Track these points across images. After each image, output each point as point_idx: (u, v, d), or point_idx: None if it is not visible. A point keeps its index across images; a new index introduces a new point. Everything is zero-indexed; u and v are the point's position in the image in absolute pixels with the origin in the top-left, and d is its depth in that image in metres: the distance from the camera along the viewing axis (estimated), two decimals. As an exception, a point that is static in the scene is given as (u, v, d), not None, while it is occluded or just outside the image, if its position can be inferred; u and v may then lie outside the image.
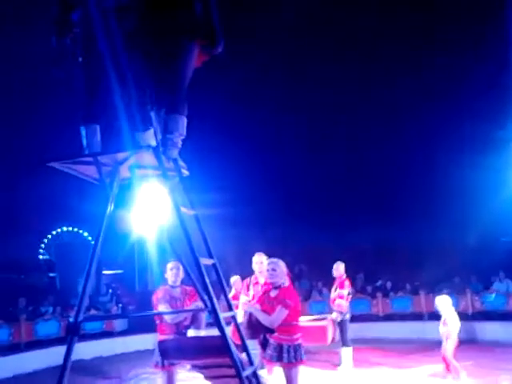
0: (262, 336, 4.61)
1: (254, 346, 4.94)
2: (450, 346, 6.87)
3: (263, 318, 4.51)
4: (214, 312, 3.17)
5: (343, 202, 15.49)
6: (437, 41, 12.66)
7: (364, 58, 13.58)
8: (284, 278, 4.66)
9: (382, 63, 13.42)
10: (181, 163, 3.68)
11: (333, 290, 8.58)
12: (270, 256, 6.34)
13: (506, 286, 12.25)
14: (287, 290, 4.60)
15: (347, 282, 8.37)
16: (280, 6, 12.83)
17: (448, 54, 12.53)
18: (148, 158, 3.50)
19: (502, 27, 10.59)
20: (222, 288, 3.54)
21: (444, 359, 6.96)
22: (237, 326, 3.51)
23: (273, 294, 4.61)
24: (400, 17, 12.51)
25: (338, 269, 8.42)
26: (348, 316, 8.31)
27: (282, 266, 4.68)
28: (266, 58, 13.55)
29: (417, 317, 12.32)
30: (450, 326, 6.90)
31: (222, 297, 3.76)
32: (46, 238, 21.82)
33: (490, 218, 12.03)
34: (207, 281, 3.22)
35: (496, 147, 11.12)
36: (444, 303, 7.15)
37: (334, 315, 8.09)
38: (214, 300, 3.20)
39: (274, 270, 4.62)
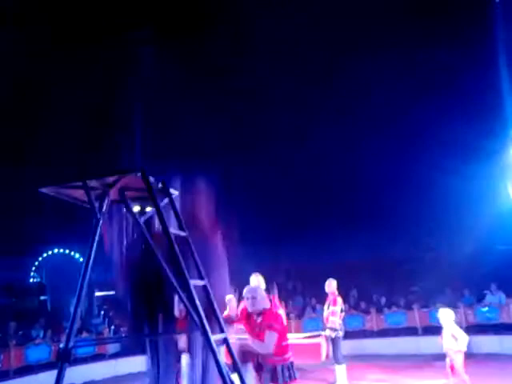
0: (255, 359, 4.59)
1: (249, 368, 4.91)
2: (459, 359, 6.80)
3: (258, 347, 4.48)
4: (204, 334, 3.17)
5: (335, 218, 15.53)
6: (428, 47, 12.79)
7: (349, 65, 13.66)
8: (265, 303, 4.67)
9: (371, 69, 13.46)
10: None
11: (325, 307, 8.55)
12: (264, 274, 6.36)
13: (499, 298, 12.28)
14: (270, 313, 4.60)
15: (339, 299, 8.34)
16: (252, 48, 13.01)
17: (439, 61, 12.68)
18: (137, 181, 3.53)
19: (492, 34, 10.80)
20: (213, 310, 3.54)
21: (453, 374, 6.88)
22: (229, 347, 3.50)
23: (258, 319, 4.60)
24: (382, 25, 12.67)
25: (331, 285, 8.41)
26: (341, 333, 8.27)
27: (260, 292, 4.70)
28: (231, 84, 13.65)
29: (411, 331, 12.29)
30: (459, 339, 6.84)
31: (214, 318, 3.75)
32: (38, 260, 21.61)
33: (485, 226, 12.09)
34: (197, 303, 3.23)
35: (488, 157, 11.25)
36: (447, 317, 7.10)
37: (327, 332, 8.06)
38: (205, 322, 3.21)
39: (253, 297, 4.62)
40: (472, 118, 11.54)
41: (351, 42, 13.29)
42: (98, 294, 17.88)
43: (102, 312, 16.49)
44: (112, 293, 19.09)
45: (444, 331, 7.03)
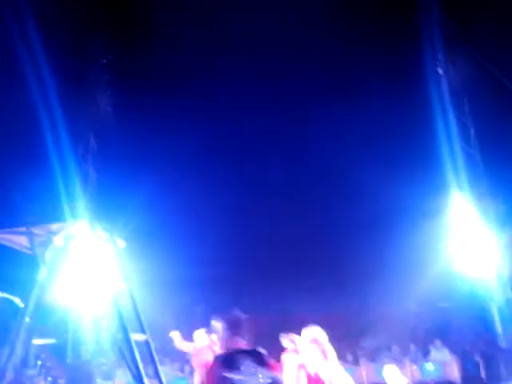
0: None
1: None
2: None
3: None
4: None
5: (285, 271, 15.53)
6: (370, 108, 13.30)
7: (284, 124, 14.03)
8: None
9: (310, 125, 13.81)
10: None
11: None
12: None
13: (443, 354, 12.49)
14: None
15: None
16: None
17: (381, 121, 13.22)
18: (82, 228, 3.49)
19: (433, 99, 11.45)
20: (153, 364, 3.45)
21: None
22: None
23: None
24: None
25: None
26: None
27: None
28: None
29: (358, 388, 12.21)
30: None
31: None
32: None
33: (428, 284, 12.41)
34: (137, 357, 3.15)
35: (430, 216, 11.68)
36: (392, 374, 7.15)
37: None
38: (144, 378, 3.13)
39: None
40: (414, 179, 12.06)
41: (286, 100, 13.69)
42: (35, 341, 16.85)
43: (39, 362, 15.48)
44: (52, 341, 18.01)
45: None
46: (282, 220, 15.03)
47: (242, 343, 3.17)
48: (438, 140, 10.90)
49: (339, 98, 12.99)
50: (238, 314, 3.28)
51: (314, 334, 5.42)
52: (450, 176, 10.70)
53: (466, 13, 11.06)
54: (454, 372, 11.94)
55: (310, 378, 4.94)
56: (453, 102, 11.19)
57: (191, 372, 12.91)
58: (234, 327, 3.21)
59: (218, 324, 3.18)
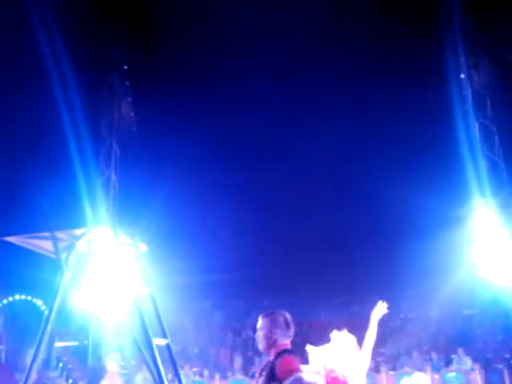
0: None
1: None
2: None
3: None
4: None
5: (306, 273, 15.47)
6: (392, 119, 13.22)
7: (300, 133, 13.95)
8: None
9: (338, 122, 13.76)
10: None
11: None
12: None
13: (466, 363, 12.26)
14: None
15: None
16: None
17: (403, 132, 13.12)
18: (105, 233, 3.54)
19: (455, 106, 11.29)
20: (174, 368, 3.48)
21: None
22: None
23: None
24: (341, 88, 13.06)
25: None
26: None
27: None
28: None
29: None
30: None
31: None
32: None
33: (451, 291, 12.23)
34: (159, 362, 3.17)
35: (453, 224, 11.51)
36: (421, 383, 7.06)
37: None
38: (165, 382, 3.15)
39: None
40: (436, 185, 11.92)
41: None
42: (58, 344, 17.05)
43: (61, 364, 15.68)
44: (74, 343, 18.21)
45: None
46: (304, 225, 14.98)
47: (288, 343, 3.14)
48: (461, 146, 10.74)
49: (360, 102, 12.93)
50: (287, 314, 3.22)
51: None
52: (473, 182, 10.51)
53: (489, 14, 10.92)
54: (478, 381, 11.70)
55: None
56: (475, 107, 11.01)
57: (210, 376, 13.03)
58: (283, 327, 3.17)
59: (264, 321, 3.13)
